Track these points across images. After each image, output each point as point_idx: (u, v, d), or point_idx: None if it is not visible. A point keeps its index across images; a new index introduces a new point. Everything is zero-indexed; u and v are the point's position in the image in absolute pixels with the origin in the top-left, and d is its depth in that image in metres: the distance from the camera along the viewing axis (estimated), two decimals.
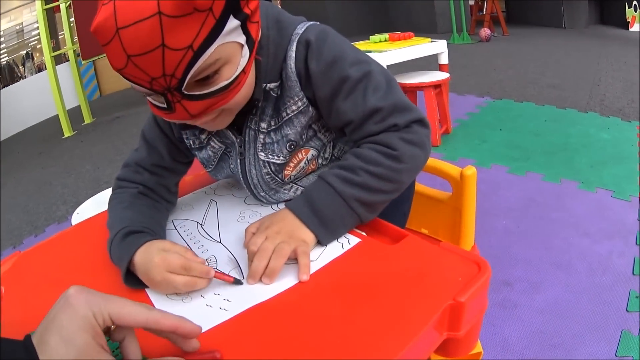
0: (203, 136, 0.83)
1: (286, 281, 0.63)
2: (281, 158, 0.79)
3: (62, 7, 6.16)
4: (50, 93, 5.85)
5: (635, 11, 16.84)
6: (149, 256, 0.65)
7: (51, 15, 6.45)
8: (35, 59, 8.87)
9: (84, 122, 6.35)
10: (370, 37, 3.66)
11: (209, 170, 0.89)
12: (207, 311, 0.60)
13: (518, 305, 1.62)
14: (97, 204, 1.60)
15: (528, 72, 5.58)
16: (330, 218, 0.70)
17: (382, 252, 0.67)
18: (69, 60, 6.76)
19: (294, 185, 0.85)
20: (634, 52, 8.50)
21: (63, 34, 7.30)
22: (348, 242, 0.70)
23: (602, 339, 1.45)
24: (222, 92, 0.64)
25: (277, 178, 0.82)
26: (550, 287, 1.70)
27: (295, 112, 0.76)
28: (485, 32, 9.33)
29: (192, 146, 0.85)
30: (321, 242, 0.70)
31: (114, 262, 0.71)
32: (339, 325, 0.54)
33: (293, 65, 0.73)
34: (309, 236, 0.69)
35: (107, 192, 1.68)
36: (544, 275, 1.77)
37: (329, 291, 0.60)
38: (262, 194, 0.85)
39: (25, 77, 8.74)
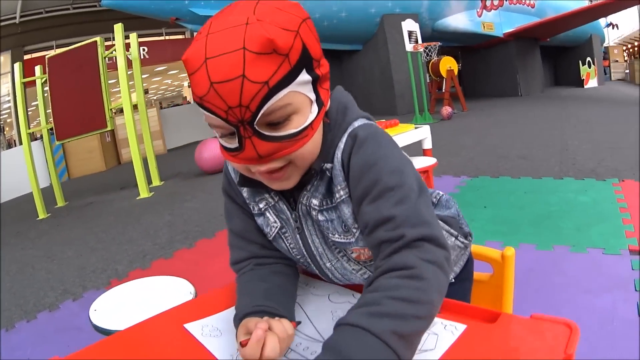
0: (261, 205, 0.84)
1: None
2: (336, 236, 0.79)
3: (38, 82, 6.21)
4: (23, 171, 5.86)
5: (590, 67, 17.97)
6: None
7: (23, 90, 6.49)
8: (5, 132, 8.81)
9: (56, 204, 6.37)
10: None
11: (270, 238, 0.88)
12: None
13: None
14: (112, 300, 1.55)
15: (496, 147, 5.86)
16: None
17: (488, 332, 0.70)
18: (37, 139, 6.75)
19: (364, 268, 0.85)
20: (593, 109, 9.02)
21: (33, 109, 7.29)
22: (455, 328, 0.71)
23: None
24: (290, 139, 0.68)
25: (343, 250, 0.82)
26: None
27: (342, 198, 0.77)
28: (446, 110, 9.78)
29: (253, 211, 0.86)
30: None
31: None
32: None
33: (340, 155, 0.76)
34: None
35: (121, 288, 1.62)
36: None
37: None
38: (328, 264, 0.85)
39: None
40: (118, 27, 5.97)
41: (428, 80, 12.15)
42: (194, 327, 0.83)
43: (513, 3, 15.46)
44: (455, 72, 11.64)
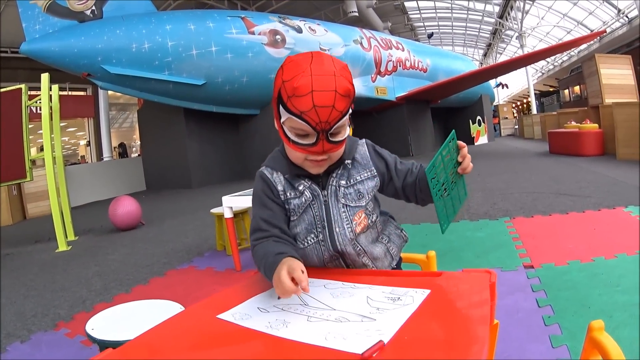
0: (300, 188, 1.29)
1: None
2: (352, 202, 1.29)
3: None
4: None
5: (480, 125, 19.42)
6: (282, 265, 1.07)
7: None
8: None
9: None
10: None
11: (293, 219, 1.31)
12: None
13: None
14: (105, 321, 1.68)
15: (392, 200, 6.29)
16: None
17: (438, 280, 1.09)
18: None
19: (355, 239, 1.29)
20: (483, 163, 10.19)
21: None
22: (422, 292, 1.02)
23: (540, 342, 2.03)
24: (338, 143, 1.20)
25: (350, 217, 1.29)
26: None
27: (365, 178, 1.32)
28: None
29: (289, 197, 1.30)
30: None
31: (267, 276, 1.13)
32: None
33: (365, 151, 1.35)
34: None
35: (110, 311, 1.77)
36: None
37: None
38: (337, 230, 1.27)
39: None
40: (45, 77, 5.95)
41: None
42: (227, 316, 1.02)
43: (406, 68, 16.47)
44: (350, 134, 12.24)
